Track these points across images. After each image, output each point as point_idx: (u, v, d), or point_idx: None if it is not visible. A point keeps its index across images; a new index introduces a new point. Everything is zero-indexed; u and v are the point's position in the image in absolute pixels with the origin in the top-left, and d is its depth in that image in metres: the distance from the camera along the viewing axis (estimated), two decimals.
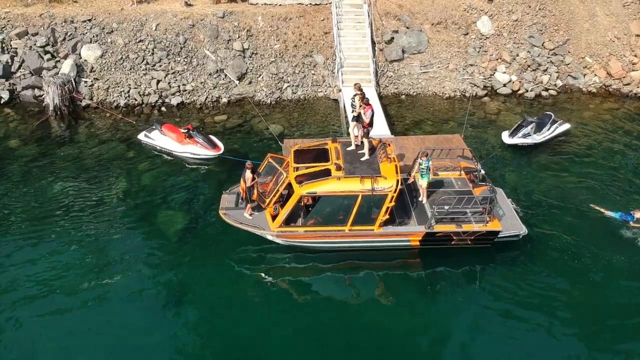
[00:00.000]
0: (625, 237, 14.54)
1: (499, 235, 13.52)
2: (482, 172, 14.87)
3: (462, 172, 14.93)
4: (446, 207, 13.34)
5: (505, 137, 18.57)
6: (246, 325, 12.05)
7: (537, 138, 18.40)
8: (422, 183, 13.91)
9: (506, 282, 13.24)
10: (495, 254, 13.94)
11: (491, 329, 12.08)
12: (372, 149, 13.99)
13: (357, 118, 14.06)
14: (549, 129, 18.70)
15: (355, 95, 14.25)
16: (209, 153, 17.64)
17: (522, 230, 13.66)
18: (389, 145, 14.14)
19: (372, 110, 13.80)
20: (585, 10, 23.78)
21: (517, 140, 18.29)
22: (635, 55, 22.81)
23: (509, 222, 13.73)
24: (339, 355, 11.42)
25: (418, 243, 13.66)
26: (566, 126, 19.31)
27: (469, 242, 13.60)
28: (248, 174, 13.20)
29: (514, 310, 12.50)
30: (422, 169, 13.73)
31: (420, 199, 14.18)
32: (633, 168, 17.68)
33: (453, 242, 13.61)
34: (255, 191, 13.51)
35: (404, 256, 14.01)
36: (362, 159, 13.75)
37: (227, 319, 12.21)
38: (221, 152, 17.69)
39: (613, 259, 13.83)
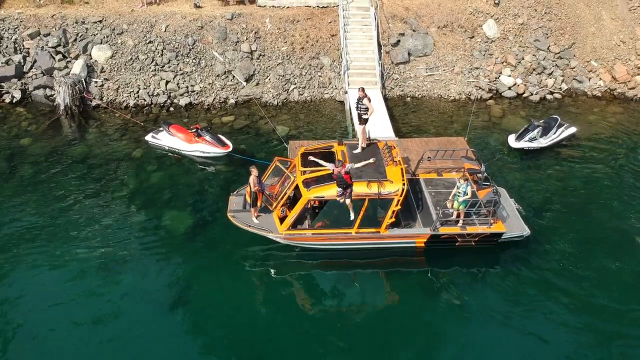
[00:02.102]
0: (629, 241, 14.70)
1: (502, 237, 13.74)
2: (485, 174, 15.06)
3: (466, 173, 15.12)
4: (451, 210, 13.57)
5: (512, 140, 18.68)
6: (251, 323, 12.29)
7: (544, 142, 18.50)
8: (459, 207, 13.28)
9: (509, 283, 13.47)
10: (499, 253, 14.18)
11: (493, 330, 12.29)
12: (372, 147, 14.45)
13: (365, 121, 14.42)
14: (555, 133, 18.77)
15: (364, 97, 14.50)
16: (218, 151, 17.92)
17: (525, 231, 13.89)
18: (394, 148, 14.37)
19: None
20: (591, 14, 23.89)
21: (524, 144, 18.41)
22: None
23: (512, 223, 13.95)
24: (342, 354, 11.64)
25: (423, 245, 13.89)
26: (572, 130, 19.38)
27: (473, 244, 13.84)
28: (251, 179, 13.44)
29: (516, 311, 12.72)
30: (459, 193, 13.16)
31: (459, 224, 13.59)
32: (638, 171, 17.81)
33: (457, 244, 13.85)
34: (260, 197, 13.71)
35: (409, 256, 14.24)
36: (355, 151, 14.26)
37: (232, 317, 12.45)
38: (230, 150, 17.96)
39: (616, 262, 13.99)
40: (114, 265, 13.82)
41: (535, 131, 18.33)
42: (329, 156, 14.09)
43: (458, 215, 13.62)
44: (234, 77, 21.74)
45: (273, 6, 23.17)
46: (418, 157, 15.57)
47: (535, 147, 18.46)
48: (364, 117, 14.57)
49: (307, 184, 13.27)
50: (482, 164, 15.28)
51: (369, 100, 14.54)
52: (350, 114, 20.30)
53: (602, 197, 16.49)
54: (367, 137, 14.75)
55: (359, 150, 14.47)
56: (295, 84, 21.87)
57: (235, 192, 14.92)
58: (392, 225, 13.52)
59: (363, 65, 21.96)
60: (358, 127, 15.57)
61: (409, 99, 22.10)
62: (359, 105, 14.65)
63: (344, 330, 12.09)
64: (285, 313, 12.54)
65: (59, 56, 21.20)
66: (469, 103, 21.72)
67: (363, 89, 14.69)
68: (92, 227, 15.05)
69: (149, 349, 11.74)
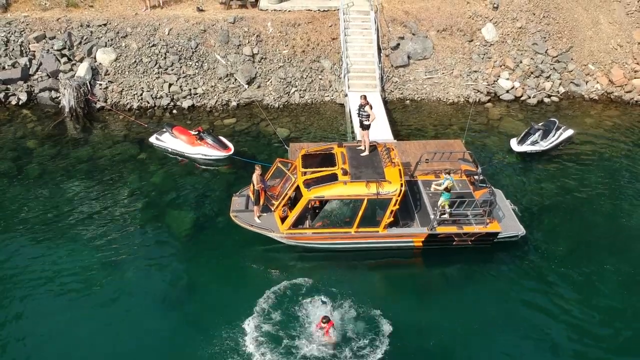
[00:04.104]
0: (623, 243, 14.94)
1: (498, 236, 14.02)
2: (481, 175, 15.32)
3: (463, 174, 15.43)
4: (448, 209, 13.85)
5: (514, 144, 18.90)
6: (250, 321, 12.45)
7: (544, 145, 18.72)
8: (441, 201, 13.77)
9: (504, 282, 13.74)
10: (495, 253, 14.44)
11: (488, 329, 12.52)
12: (371, 149, 14.79)
13: (367, 127, 14.74)
14: (554, 135, 19.01)
15: (366, 105, 14.78)
16: (220, 154, 18.23)
17: (520, 231, 14.17)
18: (393, 149, 14.67)
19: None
20: (589, 18, 24.17)
21: (526, 147, 18.60)
22: (638, 63, 23.15)
23: (507, 223, 14.24)
24: (339, 352, 11.83)
25: (421, 244, 14.17)
26: (570, 132, 19.65)
27: (470, 243, 14.11)
28: (255, 177, 13.74)
29: (510, 309, 12.98)
30: (439, 184, 13.76)
31: (445, 215, 13.91)
32: (633, 174, 18.06)
33: (454, 243, 14.12)
34: (262, 195, 14.01)
35: (407, 257, 14.52)
36: (363, 154, 14.62)
37: (233, 316, 12.64)
38: (231, 152, 18.27)
39: (609, 264, 14.23)
40: (117, 264, 14.09)
41: (537, 134, 18.58)
42: (329, 158, 14.40)
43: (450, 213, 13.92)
44: (235, 79, 22.06)
45: (275, 10, 23.50)
46: (416, 159, 15.86)
47: (537, 150, 18.69)
48: (365, 123, 14.86)
49: (308, 184, 13.57)
50: (479, 165, 15.55)
51: (371, 107, 14.82)
52: (350, 116, 20.61)
53: (598, 199, 16.74)
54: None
55: (366, 152, 14.74)
56: (296, 86, 22.19)
57: (237, 193, 15.22)
58: (391, 225, 13.80)
59: (363, 68, 22.26)
60: (359, 132, 15.90)
61: (408, 101, 22.40)
62: (361, 112, 14.93)
63: (341, 328, 12.31)
64: (284, 311, 12.76)
65: (64, 59, 21.54)
66: (468, 106, 22.01)
67: (365, 97, 14.96)
68: (95, 226, 15.34)
69: (149, 346, 12.00)
